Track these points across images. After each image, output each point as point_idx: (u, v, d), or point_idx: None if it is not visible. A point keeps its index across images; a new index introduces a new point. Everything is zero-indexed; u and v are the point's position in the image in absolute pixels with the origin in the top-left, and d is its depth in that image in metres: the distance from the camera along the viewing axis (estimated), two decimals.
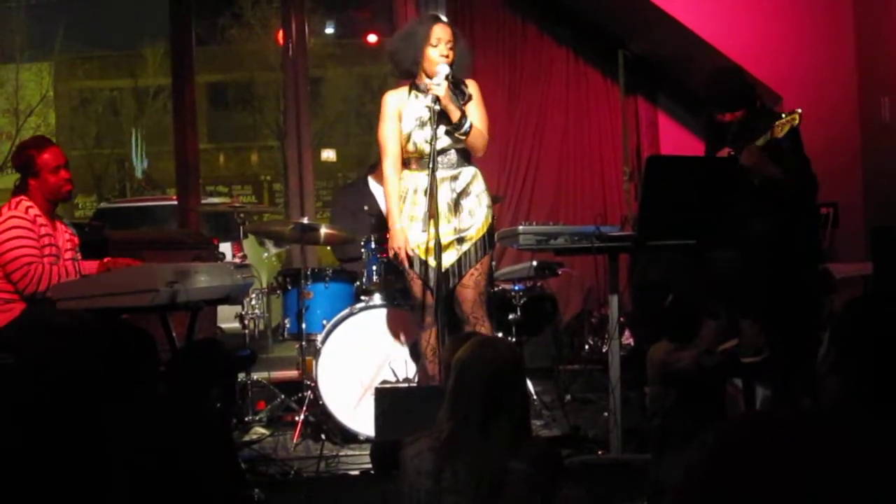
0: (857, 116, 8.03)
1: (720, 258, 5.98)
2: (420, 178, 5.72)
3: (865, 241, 7.33)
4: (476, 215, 5.77)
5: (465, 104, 5.75)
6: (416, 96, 5.83)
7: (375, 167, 7.78)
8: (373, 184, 7.75)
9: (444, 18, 6.03)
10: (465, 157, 5.84)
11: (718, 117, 6.35)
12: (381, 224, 7.30)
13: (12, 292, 5.61)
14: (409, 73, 5.85)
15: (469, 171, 5.83)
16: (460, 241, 5.72)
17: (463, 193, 5.78)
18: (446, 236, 5.65)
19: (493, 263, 7.21)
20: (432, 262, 5.54)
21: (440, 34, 5.73)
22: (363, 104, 31.36)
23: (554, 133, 9.76)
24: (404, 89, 5.89)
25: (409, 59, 5.81)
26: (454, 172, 5.78)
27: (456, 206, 5.75)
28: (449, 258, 5.69)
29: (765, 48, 8.00)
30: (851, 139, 8.01)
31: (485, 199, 5.84)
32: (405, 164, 5.87)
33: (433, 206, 5.47)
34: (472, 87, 5.87)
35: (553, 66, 9.79)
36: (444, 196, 5.72)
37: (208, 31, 28.35)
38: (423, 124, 5.70)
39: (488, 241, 5.80)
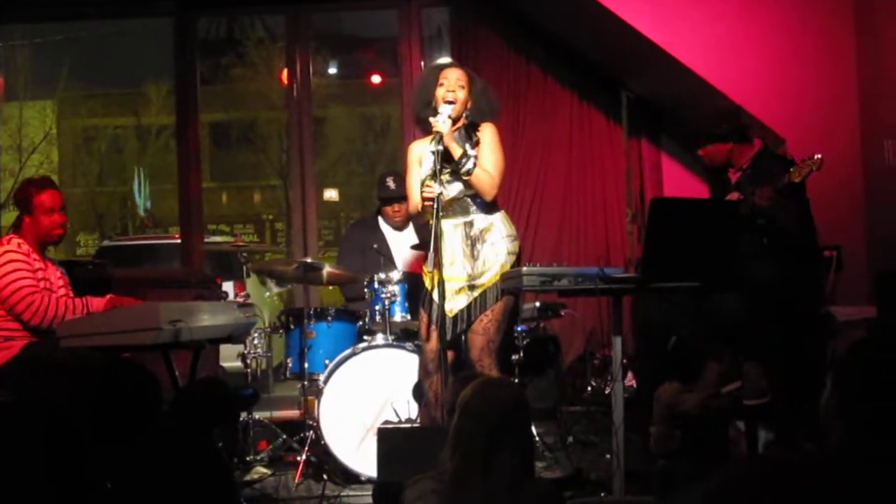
0: (861, 159, 8.02)
1: (724, 300, 5.97)
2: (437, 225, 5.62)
3: (869, 284, 7.32)
4: (490, 264, 5.71)
5: (474, 147, 5.75)
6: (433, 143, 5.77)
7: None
8: (382, 222, 7.74)
9: (453, 63, 6.06)
10: (484, 204, 5.79)
11: (699, 153, 6.48)
12: (388, 262, 7.31)
13: (12, 329, 5.62)
14: (426, 122, 5.81)
15: (486, 218, 5.79)
16: (472, 287, 5.70)
17: (478, 240, 5.75)
18: (459, 281, 5.68)
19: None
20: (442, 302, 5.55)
21: (447, 75, 5.78)
22: (366, 144, 31.43)
23: (557, 174, 9.75)
24: (428, 138, 5.90)
25: (422, 104, 5.86)
26: (468, 219, 5.77)
27: (471, 252, 5.73)
28: (459, 303, 5.70)
29: (768, 90, 8.01)
30: (855, 182, 8.00)
31: (503, 247, 5.75)
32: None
33: (438, 255, 5.49)
34: (485, 130, 5.84)
35: (557, 107, 9.80)
36: (458, 242, 5.74)
37: (212, 71, 28.39)
38: (434, 173, 5.67)
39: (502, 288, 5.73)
